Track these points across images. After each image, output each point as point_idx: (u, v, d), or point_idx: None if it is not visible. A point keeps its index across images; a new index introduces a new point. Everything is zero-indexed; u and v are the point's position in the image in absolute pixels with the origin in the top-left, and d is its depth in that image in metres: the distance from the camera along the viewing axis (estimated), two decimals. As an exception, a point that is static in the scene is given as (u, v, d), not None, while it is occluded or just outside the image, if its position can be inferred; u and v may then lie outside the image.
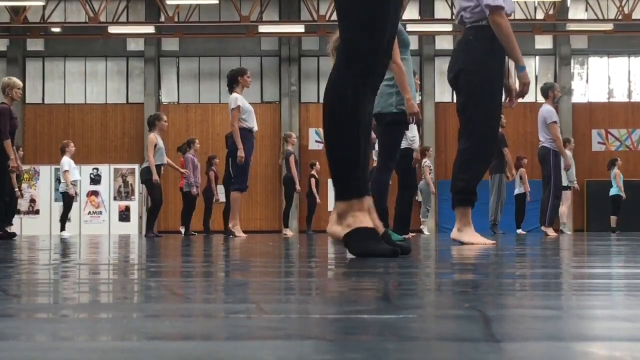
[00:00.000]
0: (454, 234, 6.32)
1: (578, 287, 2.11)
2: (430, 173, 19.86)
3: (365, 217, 3.72)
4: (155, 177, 14.15)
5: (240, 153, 11.80)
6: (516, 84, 6.52)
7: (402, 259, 3.50)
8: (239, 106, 11.85)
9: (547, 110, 12.41)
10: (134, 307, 1.61)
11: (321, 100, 3.83)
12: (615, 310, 1.53)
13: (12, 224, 14.91)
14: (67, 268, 3.14)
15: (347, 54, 3.73)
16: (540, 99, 30.99)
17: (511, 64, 6.55)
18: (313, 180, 20.81)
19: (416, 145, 10.93)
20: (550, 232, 12.38)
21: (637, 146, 29.95)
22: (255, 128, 12.22)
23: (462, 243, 6.20)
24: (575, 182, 18.69)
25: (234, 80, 12.10)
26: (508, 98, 6.50)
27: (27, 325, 1.28)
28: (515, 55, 6.17)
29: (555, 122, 12.30)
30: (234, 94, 11.97)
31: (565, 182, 17.72)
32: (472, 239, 6.16)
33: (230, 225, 12.37)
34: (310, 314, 1.42)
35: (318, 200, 20.85)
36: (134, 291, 2.04)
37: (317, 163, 21.63)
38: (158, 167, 14.38)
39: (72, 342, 1.10)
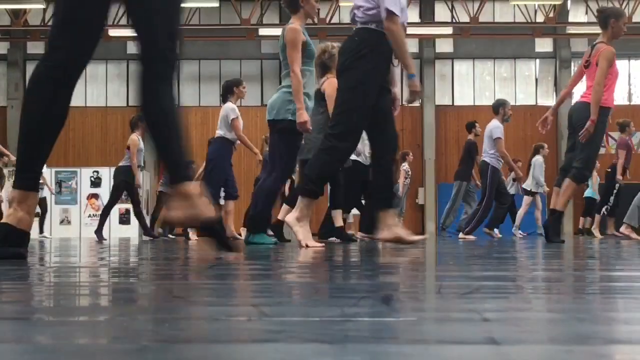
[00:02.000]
0: (288, 217, 6.41)
1: (578, 290, 2.11)
2: (406, 178, 19.68)
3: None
4: (137, 180, 14.37)
5: (259, 157, 12.45)
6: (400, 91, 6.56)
7: (403, 263, 3.49)
8: (239, 116, 11.86)
9: (494, 126, 12.83)
10: (133, 310, 1.61)
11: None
12: (615, 313, 1.53)
13: None
14: (67, 271, 3.14)
15: None
16: (541, 102, 31.07)
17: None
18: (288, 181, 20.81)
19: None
20: (468, 237, 12.61)
21: (637, 149, 29.96)
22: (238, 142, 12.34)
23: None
24: (544, 186, 18.82)
25: (229, 91, 12.08)
26: (393, 105, 6.51)
27: (27, 328, 1.28)
28: (405, 62, 6.15)
29: (500, 137, 12.65)
30: (230, 104, 11.92)
31: (529, 187, 18.07)
32: (302, 236, 6.30)
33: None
34: (310, 317, 1.42)
35: None
36: (134, 294, 2.04)
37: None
38: (128, 166, 14.61)
39: (72, 345, 1.10)
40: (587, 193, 21.47)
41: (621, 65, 30.41)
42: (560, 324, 1.31)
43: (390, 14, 5.99)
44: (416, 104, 6.43)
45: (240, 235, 13.81)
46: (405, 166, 19.44)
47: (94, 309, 1.66)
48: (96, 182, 27.21)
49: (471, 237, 12.64)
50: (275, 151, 7.82)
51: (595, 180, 21.34)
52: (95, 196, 27.08)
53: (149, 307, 1.69)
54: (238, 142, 12.23)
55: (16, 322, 1.39)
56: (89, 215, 26.80)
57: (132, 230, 26.74)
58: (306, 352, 1.01)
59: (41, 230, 18.75)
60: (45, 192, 18.07)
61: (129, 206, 27.23)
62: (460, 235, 12.98)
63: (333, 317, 1.40)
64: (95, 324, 1.36)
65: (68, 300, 1.85)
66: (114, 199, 14.78)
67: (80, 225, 25.96)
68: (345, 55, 6.25)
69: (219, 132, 11.93)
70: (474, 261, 3.85)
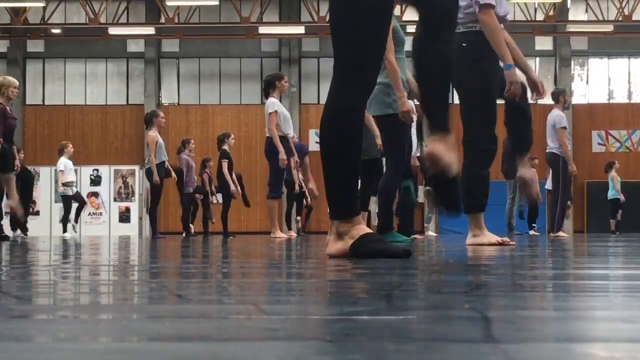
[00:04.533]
0: (469, 240, 6.33)
1: (578, 289, 2.11)
2: None
3: (365, 228, 3.73)
4: (156, 177, 14.26)
5: (282, 156, 11.76)
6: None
7: (403, 260, 3.50)
8: (276, 111, 11.83)
9: (557, 115, 12.41)
10: (134, 309, 1.61)
11: (321, 102, 3.84)
12: (615, 312, 1.53)
13: (26, 222, 15.02)
14: (68, 269, 3.14)
15: (350, 71, 3.69)
16: (540, 101, 30.90)
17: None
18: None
19: (413, 151, 10.57)
20: (562, 234, 12.48)
21: (637, 147, 29.94)
22: (291, 134, 12.19)
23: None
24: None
25: (271, 85, 12.06)
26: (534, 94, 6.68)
27: (27, 327, 1.28)
28: (500, 53, 6.19)
29: (564, 127, 12.31)
30: (272, 99, 11.92)
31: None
32: (487, 240, 6.18)
33: (271, 234, 12.35)
34: (310, 315, 1.42)
35: (306, 202, 20.76)
36: (134, 292, 2.04)
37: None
38: (162, 163, 14.51)
39: (73, 343, 1.10)
40: (611, 194, 21.46)
41: (621, 63, 30.43)
42: (560, 322, 1.31)
43: (483, 6, 6.10)
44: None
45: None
46: None
47: (94, 307, 1.66)
48: (96, 181, 27.22)
49: (563, 234, 12.50)
50: (385, 147, 7.72)
51: (616, 180, 21.31)
52: (95, 194, 27.09)
53: (149, 305, 1.69)
54: (291, 135, 12.14)
55: (17, 321, 1.39)
56: (89, 214, 26.80)
57: (132, 229, 26.77)
58: (306, 351, 1.01)
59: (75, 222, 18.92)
60: (61, 190, 18.10)
61: (129, 204, 27.37)
62: (552, 234, 12.68)
63: (333, 315, 1.40)
64: (95, 322, 1.36)
65: (68, 300, 1.85)
66: (155, 198, 14.81)
67: (80, 224, 25.98)
68: (458, 65, 6.33)
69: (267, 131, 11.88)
70: (474, 260, 3.85)
